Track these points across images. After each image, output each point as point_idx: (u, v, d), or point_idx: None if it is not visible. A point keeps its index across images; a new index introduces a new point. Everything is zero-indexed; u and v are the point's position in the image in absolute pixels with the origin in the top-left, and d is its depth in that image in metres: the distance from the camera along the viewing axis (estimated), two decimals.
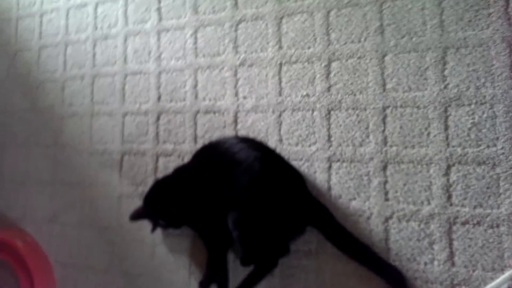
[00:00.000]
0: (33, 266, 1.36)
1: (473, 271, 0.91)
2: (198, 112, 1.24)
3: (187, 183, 1.08)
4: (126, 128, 1.35)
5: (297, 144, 1.10)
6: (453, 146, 0.95)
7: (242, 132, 1.17)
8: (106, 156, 1.36)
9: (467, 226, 0.92)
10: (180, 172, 1.15)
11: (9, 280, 1.40)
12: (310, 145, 1.09)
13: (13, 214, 1.51)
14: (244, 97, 1.18)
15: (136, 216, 1.19)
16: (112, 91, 1.38)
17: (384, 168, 1.00)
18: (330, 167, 1.06)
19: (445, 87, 0.97)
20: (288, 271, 1.05)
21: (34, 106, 1.52)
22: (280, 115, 1.13)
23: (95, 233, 1.35)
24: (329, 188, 1.05)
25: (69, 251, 1.39)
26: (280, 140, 1.12)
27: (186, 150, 1.24)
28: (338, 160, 1.05)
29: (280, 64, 1.14)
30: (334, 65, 1.08)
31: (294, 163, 1.09)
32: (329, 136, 1.07)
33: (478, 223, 0.91)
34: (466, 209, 0.92)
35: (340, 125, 1.06)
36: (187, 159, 1.23)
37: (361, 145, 1.03)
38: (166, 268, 1.23)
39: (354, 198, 1.03)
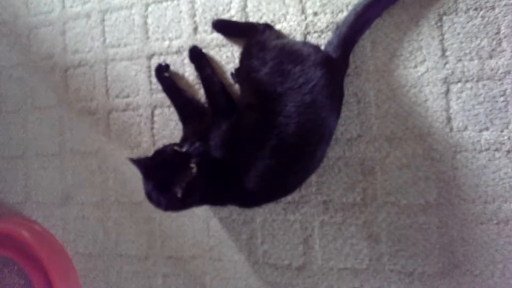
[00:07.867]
0: (47, 261, 1.06)
1: None
2: None
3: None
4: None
5: (397, 66, 0.84)
6: None
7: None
8: (130, 113, 1.06)
9: None
10: None
11: (16, 280, 1.10)
12: (415, 66, 0.83)
13: (12, 198, 1.19)
14: None
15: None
16: (131, 27, 1.06)
17: None
18: (448, 90, 0.80)
19: None
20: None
21: (26, 59, 1.19)
22: None
23: (124, 212, 1.06)
24: (449, 119, 0.80)
25: (93, 238, 1.10)
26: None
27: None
28: (459, 81, 0.80)
29: None
30: None
31: (400, 92, 0.83)
32: (443, 50, 0.81)
33: None
34: None
35: (458, 33, 0.80)
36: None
37: (490, 57, 0.78)
38: (224, 247, 0.96)
39: (487, 128, 0.78)
